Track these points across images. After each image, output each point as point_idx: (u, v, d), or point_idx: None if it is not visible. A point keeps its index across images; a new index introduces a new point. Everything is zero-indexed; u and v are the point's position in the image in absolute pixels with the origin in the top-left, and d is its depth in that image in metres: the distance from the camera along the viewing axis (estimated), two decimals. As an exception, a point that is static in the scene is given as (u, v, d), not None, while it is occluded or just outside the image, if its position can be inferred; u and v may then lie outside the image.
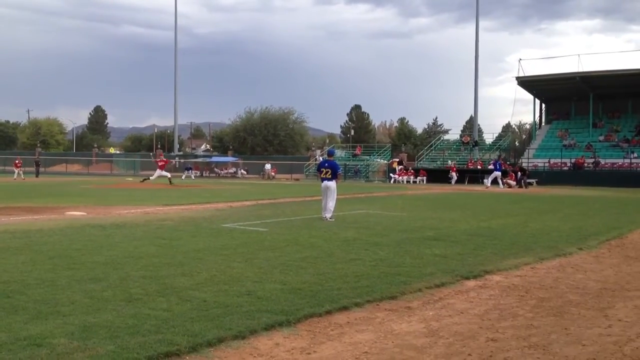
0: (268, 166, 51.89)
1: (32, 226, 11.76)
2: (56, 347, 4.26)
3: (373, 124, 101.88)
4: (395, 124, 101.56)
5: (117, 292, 6.02)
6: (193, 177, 50.49)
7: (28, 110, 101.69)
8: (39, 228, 11.40)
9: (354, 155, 54.67)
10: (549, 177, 40.15)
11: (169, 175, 32.74)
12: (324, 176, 14.27)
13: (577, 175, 39.82)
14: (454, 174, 42.33)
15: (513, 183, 35.69)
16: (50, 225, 11.88)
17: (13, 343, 4.34)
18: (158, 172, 32.44)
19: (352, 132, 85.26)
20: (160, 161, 33.60)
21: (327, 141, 79.63)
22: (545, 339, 4.81)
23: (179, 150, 71.88)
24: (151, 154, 46.49)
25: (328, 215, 13.85)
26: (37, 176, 46.65)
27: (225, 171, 57.18)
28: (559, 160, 43.46)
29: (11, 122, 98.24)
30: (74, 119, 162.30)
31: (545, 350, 4.53)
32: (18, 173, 41.80)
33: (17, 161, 43.73)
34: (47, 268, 7.25)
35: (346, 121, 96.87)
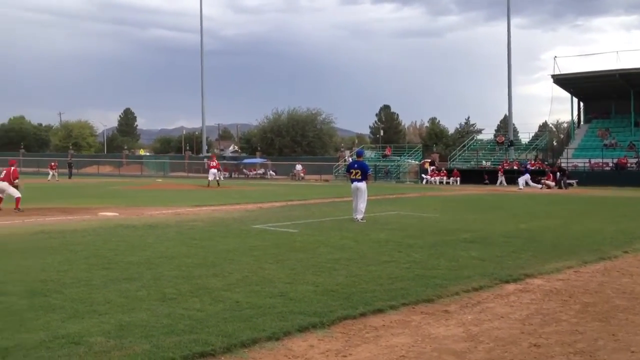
0: (299, 167, 52.01)
1: (66, 226, 12.03)
2: (93, 346, 4.34)
3: (403, 124, 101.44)
4: (426, 124, 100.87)
5: (151, 291, 6.11)
6: (222, 179, 50.91)
7: (60, 114, 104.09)
8: (73, 228, 11.65)
9: (384, 156, 54.38)
10: (589, 177, 39.27)
11: (211, 177, 33.43)
12: (354, 177, 14.25)
13: (619, 176, 38.84)
14: (501, 175, 41.21)
15: (552, 184, 35.01)
16: (84, 226, 12.13)
17: (52, 341, 4.43)
18: (214, 172, 33.48)
19: (382, 132, 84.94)
20: (213, 163, 34.72)
21: (356, 142, 79.48)
22: (592, 345, 4.69)
23: (207, 152, 72.59)
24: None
25: (359, 216, 13.82)
26: (70, 177, 47.63)
27: (254, 172, 57.51)
28: (600, 160, 42.48)
29: (44, 125, 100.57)
30: (105, 121, 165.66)
31: (591, 356, 4.43)
32: (52, 175, 42.84)
33: (52, 163, 45.00)
34: (82, 268, 7.41)
35: (375, 121, 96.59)
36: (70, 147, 77.56)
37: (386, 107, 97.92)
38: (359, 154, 15.78)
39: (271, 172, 56.07)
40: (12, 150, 69.55)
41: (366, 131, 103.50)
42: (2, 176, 16.96)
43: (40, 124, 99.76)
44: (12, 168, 17.39)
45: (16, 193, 16.58)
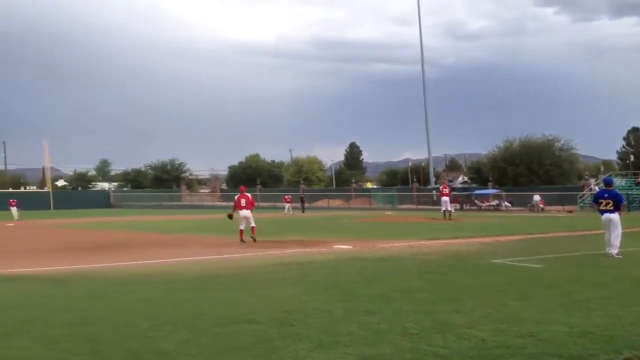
0: (537, 197, 49.26)
1: (304, 258, 13.04)
2: (342, 376, 4.61)
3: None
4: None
5: (392, 325, 6.28)
6: (453, 210, 50.37)
7: (290, 150, 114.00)
8: (310, 260, 12.58)
9: (638, 184, 48.94)
10: None
11: (444, 207, 33.29)
12: (604, 207, 13.23)
13: None
14: None
15: None
16: (320, 258, 13.04)
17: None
18: (446, 200, 33.44)
19: (632, 157, 76.77)
20: (445, 190, 34.55)
21: (602, 168, 73.03)
22: None
23: (436, 183, 72.79)
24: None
25: (614, 251, 12.72)
26: (303, 211, 51.48)
27: (487, 204, 55.91)
28: None
29: (276, 161, 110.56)
30: (331, 156, 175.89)
31: None
32: (288, 209, 46.82)
33: (287, 196, 49.26)
34: (322, 299, 7.95)
35: (623, 145, 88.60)
36: (302, 182, 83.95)
37: (635, 130, 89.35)
38: (608, 183, 14.74)
39: (506, 203, 53.96)
40: (249, 186, 77.60)
41: (613, 156, 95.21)
42: (244, 205, 18.08)
43: (273, 161, 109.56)
44: (250, 196, 18.79)
45: (253, 221, 18.25)
